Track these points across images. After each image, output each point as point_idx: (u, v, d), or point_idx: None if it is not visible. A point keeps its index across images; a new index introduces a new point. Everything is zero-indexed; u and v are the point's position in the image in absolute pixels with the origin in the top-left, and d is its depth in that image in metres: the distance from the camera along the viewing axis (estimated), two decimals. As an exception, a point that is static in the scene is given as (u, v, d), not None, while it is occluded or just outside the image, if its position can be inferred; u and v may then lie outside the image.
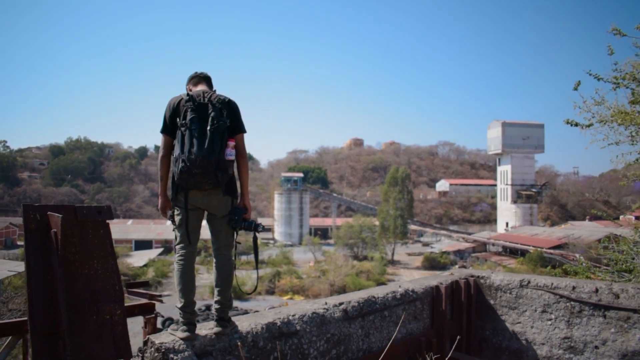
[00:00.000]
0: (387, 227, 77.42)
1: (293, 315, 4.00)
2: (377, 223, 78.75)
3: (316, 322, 4.09)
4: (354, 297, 4.55)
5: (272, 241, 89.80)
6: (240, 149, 3.76)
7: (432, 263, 65.72)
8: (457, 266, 63.48)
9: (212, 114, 3.54)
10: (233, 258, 3.80)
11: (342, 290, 45.16)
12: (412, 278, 6.63)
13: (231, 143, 3.61)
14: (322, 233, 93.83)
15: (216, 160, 3.46)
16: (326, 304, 4.31)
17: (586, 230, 63.44)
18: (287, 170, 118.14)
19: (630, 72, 7.59)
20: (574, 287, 5.10)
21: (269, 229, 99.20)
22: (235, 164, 3.77)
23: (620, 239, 8.47)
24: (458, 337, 4.14)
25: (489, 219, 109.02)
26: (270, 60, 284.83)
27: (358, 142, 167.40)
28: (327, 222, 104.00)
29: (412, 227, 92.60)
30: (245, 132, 3.80)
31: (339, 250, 70.09)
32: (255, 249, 3.93)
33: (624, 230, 8.71)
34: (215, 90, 3.90)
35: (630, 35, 7.60)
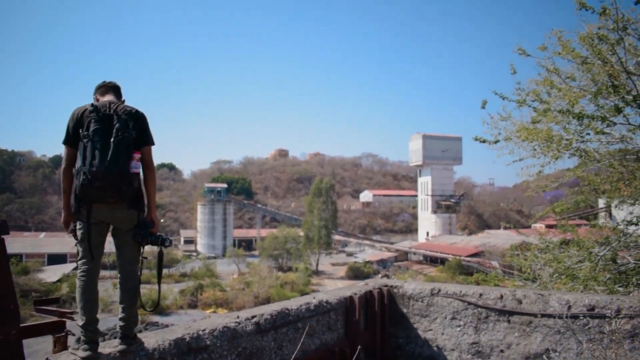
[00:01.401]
0: (311, 238, 77.82)
1: (203, 330, 3.92)
2: (301, 234, 78.99)
3: (227, 336, 4.03)
4: (267, 310, 4.52)
5: (194, 253, 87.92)
6: (147, 161, 3.67)
7: (356, 273, 66.61)
8: (379, 275, 64.68)
9: (117, 126, 3.44)
10: (139, 273, 3.69)
11: (267, 302, 44.86)
12: (335, 288, 6.71)
13: (136, 155, 3.53)
14: (247, 244, 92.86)
15: (119, 173, 3.36)
16: (238, 317, 4.25)
17: (501, 239, 66.53)
18: (210, 180, 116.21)
19: (534, 90, 8.06)
20: (481, 294, 5.32)
21: (192, 241, 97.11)
22: (142, 177, 3.67)
23: (532, 245, 8.95)
24: (371, 346, 4.21)
25: (411, 229, 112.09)
26: (193, 68, 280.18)
27: (283, 153, 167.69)
28: (251, 233, 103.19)
29: (337, 237, 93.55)
30: (152, 144, 3.71)
31: (264, 262, 69.63)
32: (160, 264, 3.84)
33: (546, 238, 9.23)
34: (123, 101, 3.79)
35: (533, 55, 8.09)
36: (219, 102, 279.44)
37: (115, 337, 3.67)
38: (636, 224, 7.48)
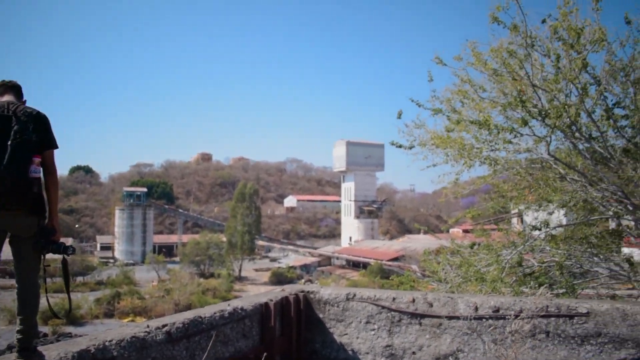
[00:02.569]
0: (234, 243, 76.95)
1: (110, 341, 3.76)
2: (224, 239, 77.96)
3: (136, 346, 3.89)
4: (179, 318, 4.41)
5: (112, 260, 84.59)
6: (49, 166, 3.49)
7: (280, 278, 66.54)
8: (303, 280, 64.91)
9: (15, 128, 3.25)
10: (39, 284, 3.49)
11: (188, 309, 43.82)
12: (252, 294, 6.66)
13: (36, 159, 3.35)
14: (167, 250, 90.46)
15: (17, 178, 3.17)
16: (148, 326, 4.12)
17: (421, 243, 68.54)
18: (130, 184, 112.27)
19: (447, 99, 8.38)
20: (394, 299, 5.44)
21: (109, 247, 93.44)
22: (43, 182, 3.48)
23: (444, 249, 9.28)
24: (288, 352, 4.21)
25: (334, 234, 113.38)
26: (112, 65, 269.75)
27: (206, 157, 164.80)
28: (172, 239, 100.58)
29: (260, 242, 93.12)
30: (56, 147, 3.54)
31: (185, 268, 68.10)
32: (65, 273, 3.65)
33: (458, 242, 9.58)
34: (24, 102, 3.60)
35: (449, 65, 8.42)
36: (139, 102, 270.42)
37: (13, 350, 3.46)
38: (540, 229, 7.93)
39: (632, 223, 8.07)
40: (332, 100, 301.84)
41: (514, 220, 10.72)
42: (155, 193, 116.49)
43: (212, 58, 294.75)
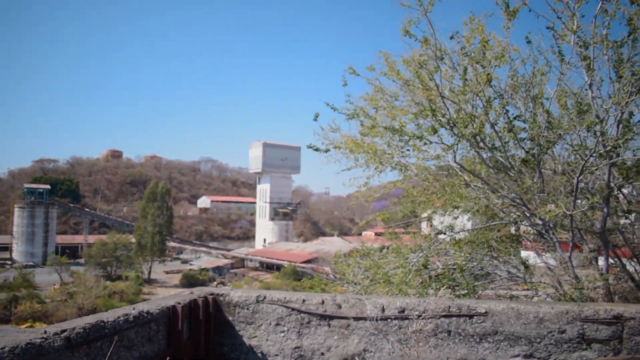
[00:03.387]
0: (144, 245, 74.44)
1: (2, 348, 3.53)
2: (133, 240, 75.19)
3: (31, 353, 3.67)
4: (79, 323, 4.20)
5: (9, 262, 79.18)
6: None
7: (191, 280, 65.10)
8: (215, 282, 63.92)
9: None
10: None
11: (93, 313, 41.81)
12: (160, 297, 6.46)
13: None
14: (72, 252, 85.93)
15: None
16: (45, 332, 3.89)
17: (334, 245, 69.52)
18: (31, 181, 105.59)
19: (362, 107, 8.58)
20: (304, 300, 5.49)
21: (7, 248, 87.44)
22: None
23: (354, 252, 9.48)
24: (195, 356, 4.13)
25: (248, 236, 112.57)
26: (13, 52, 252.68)
27: (116, 154, 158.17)
28: (77, 239, 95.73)
29: (171, 244, 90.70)
30: None
31: (90, 271, 65.03)
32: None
33: (367, 246, 9.78)
34: None
35: (362, 75, 8.64)
36: (44, 93, 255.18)
37: None
38: (444, 233, 8.30)
39: (529, 228, 8.63)
40: (250, 101, 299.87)
41: (424, 224, 11.14)
42: (60, 191, 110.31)
43: (126, 49, 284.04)
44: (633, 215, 8.77)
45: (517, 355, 4.97)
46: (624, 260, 8.60)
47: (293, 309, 5.48)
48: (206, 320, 5.48)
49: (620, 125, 7.07)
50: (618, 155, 7.23)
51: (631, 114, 7.14)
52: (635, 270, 8.43)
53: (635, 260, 8.49)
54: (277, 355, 5.52)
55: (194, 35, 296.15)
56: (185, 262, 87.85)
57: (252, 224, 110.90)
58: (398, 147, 8.23)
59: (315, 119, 8.76)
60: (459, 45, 7.93)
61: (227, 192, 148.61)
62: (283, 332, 5.53)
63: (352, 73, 8.50)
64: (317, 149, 8.73)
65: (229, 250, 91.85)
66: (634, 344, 4.99)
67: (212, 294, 5.65)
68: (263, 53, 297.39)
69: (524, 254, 9.15)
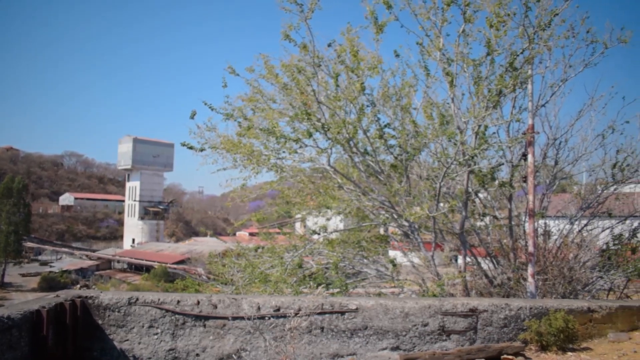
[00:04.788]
0: (-4, 245, 67.87)
1: None
2: (-16, 241, 68.30)
3: None
4: None
5: None
6: None
7: (51, 283, 60.41)
8: (78, 285, 60.07)
9: None
10: None
11: None
12: (21, 301, 5.96)
13: None
14: None
15: None
16: None
17: (208, 246, 68.27)
18: None
19: (239, 107, 8.61)
20: (179, 301, 5.43)
21: None
22: None
23: (230, 252, 9.47)
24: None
25: (116, 235, 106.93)
26: None
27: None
28: None
29: (29, 244, 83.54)
30: None
31: None
32: None
33: (243, 245, 9.78)
34: None
35: (242, 75, 8.67)
36: None
37: None
38: (319, 233, 8.59)
39: (397, 229, 9.20)
40: (120, 94, 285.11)
41: (298, 224, 11.41)
42: None
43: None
44: (487, 218, 9.68)
45: (385, 348, 5.33)
46: (479, 259, 9.47)
47: (167, 311, 5.40)
48: (74, 324, 5.22)
49: (477, 137, 7.79)
50: (475, 163, 7.96)
51: (486, 126, 7.90)
52: (489, 267, 9.32)
53: (489, 258, 9.38)
54: (150, 358, 5.41)
55: (65, 21, 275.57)
56: (44, 263, 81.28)
57: (120, 223, 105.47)
58: (274, 149, 8.38)
59: (192, 117, 8.65)
60: (335, 54, 8.26)
61: (93, 189, 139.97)
62: (156, 334, 5.42)
63: (232, 73, 8.51)
64: (191, 147, 8.62)
65: (94, 251, 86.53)
66: (486, 333, 5.56)
67: (80, 297, 5.40)
68: (140, 45, 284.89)
69: (391, 253, 9.71)
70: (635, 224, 9.91)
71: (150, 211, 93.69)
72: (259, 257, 8.79)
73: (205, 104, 8.56)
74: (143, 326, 5.44)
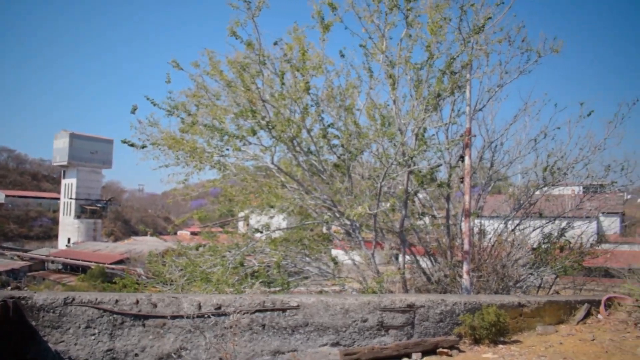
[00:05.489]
0: None
1: None
2: None
3: None
4: None
5: None
6: None
7: (-22, 285, 57.51)
8: (9, 288, 57.40)
9: None
10: None
11: None
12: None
13: None
14: None
15: None
16: None
17: (148, 245, 66.64)
18: None
19: (182, 103, 8.51)
20: (117, 301, 5.32)
21: None
22: None
23: (170, 251, 9.33)
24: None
25: (50, 235, 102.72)
26: None
27: None
28: None
29: (-47, 244, 79.15)
30: None
31: None
32: None
33: (184, 244, 9.65)
34: None
35: (187, 70, 8.57)
36: None
37: None
38: (261, 232, 8.60)
39: (339, 228, 9.33)
40: (55, 88, 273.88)
41: (241, 223, 11.36)
42: None
43: None
44: (426, 217, 9.96)
45: (326, 344, 5.41)
46: (418, 257, 9.74)
47: (105, 310, 5.29)
48: (5, 326, 5.03)
49: (417, 138, 8.02)
50: (415, 164, 8.19)
51: (425, 128, 8.14)
52: (427, 265, 9.60)
53: (427, 257, 9.66)
54: (87, 359, 5.28)
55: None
56: (-30, 265, 77.27)
57: (55, 222, 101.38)
58: (218, 146, 8.33)
59: (132, 112, 8.47)
60: (281, 52, 8.30)
61: (26, 186, 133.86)
62: (94, 334, 5.30)
63: (176, 67, 8.39)
64: (132, 145, 8.44)
65: (26, 251, 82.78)
66: (423, 328, 5.75)
67: (12, 298, 5.21)
68: (76, 37, 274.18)
69: (335, 252, 9.84)
70: (564, 223, 10.46)
71: (87, 209, 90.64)
72: (200, 256, 8.71)
73: (148, 98, 8.41)
74: (79, 327, 5.30)
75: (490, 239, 9.97)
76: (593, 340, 5.84)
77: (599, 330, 6.24)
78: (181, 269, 8.38)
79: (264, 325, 5.28)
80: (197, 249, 9.01)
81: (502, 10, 8.09)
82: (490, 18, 7.97)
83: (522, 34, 8.89)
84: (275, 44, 8.29)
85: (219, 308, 5.27)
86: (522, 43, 8.95)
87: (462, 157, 8.26)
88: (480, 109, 9.33)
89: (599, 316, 6.65)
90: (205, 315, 5.24)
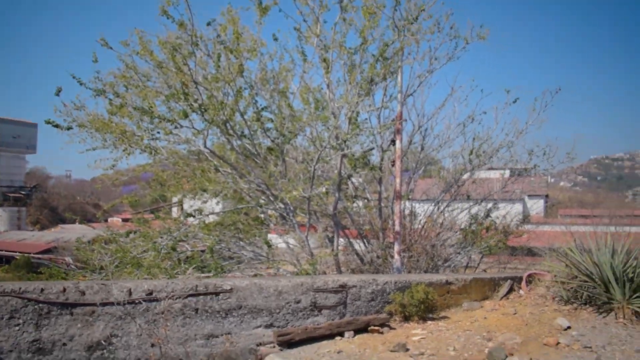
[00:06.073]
0: None
1: None
2: None
3: None
4: None
5: None
6: None
7: None
8: None
9: None
10: None
11: None
12: None
13: None
14: None
15: None
16: None
17: (76, 233, 64.01)
18: None
19: (110, 83, 8.21)
20: (42, 290, 5.14)
21: None
22: None
23: (99, 237, 9.05)
24: None
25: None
26: None
27: None
28: None
29: None
30: None
31: None
32: None
33: (114, 231, 9.38)
34: None
35: (116, 49, 8.25)
36: None
37: None
38: (194, 216, 8.49)
39: (274, 212, 9.35)
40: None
41: (176, 209, 11.16)
42: None
43: None
44: (359, 200, 10.15)
45: (260, 326, 5.45)
46: (352, 239, 9.92)
47: (30, 300, 5.09)
48: None
49: (350, 122, 8.12)
50: (348, 147, 8.31)
51: (358, 113, 8.25)
52: (360, 247, 9.80)
53: (360, 239, 9.86)
54: (11, 351, 5.08)
55: None
56: None
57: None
58: (148, 129, 8.12)
59: (57, 94, 8.08)
60: (215, 33, 8.16)
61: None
62: (18, 325, 5.09)
63: (104, 45, 8.05)
64: (57, 126, 8.06)
65: (-58, 241, 78.09)
66: (355, 307, 5.89)
67: None
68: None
69: (272, 236, 9.87)
70: (489, 205, 10.92)
71: (10, 197, 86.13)
72: (132, 242, 8.51)
73: (74, 77, 8.04)
74: (2, 318, 5.08)
75: (420, 220, 10.28)
76: (515, 314, 6.17)
77: (520, 304, 6.59)
78: (112, 256, 8.16)
79: (197, 310, 5.25)
80: (127, 235, 8.79)
81: (432, -1, 8.29)
82: (423, 10, 8.15)
83: (451, 21, 9.15)
84: (209, 24, 8.13)
85: (151, 294, 5.19)
86: (450, 30, 9.20)
87: (393, 141, 8.44)
88: (411, 94, 9.56)
89: (521, 292, 7.01)
90: (137, 301, 5.15)
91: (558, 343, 5.08)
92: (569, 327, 5.56)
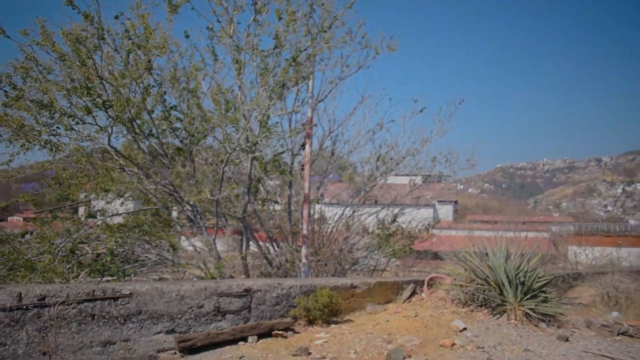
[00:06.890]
0: None
1: None
2: None
3: None
4: None
5: None
6: None
7: None
8: None
9: None
10: None
11: None
12: None
13: None
14: None
15: None
16: None
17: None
18: None
19: (7, 74, 7.70)
20: None
21: None
22: None
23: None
24: None
25: None
26: None
27: None
28: None
29: None
30: None
31: None
32: None
33: (7, 231, 8.76)
34: None
35: (14, 39, 7.73)
36: None
37: None
38: (95, 217, 8.12)
39: (182, 214, 9.13)
40: None
41: (82, 209, 10.60)
42: None
43: None
44: (270, 204, 10.15)
45: (160, 332, 5.30)
46: (261, 243, 9.90)
47: None
48: None
49: (261, 125, 8.11)
50: (259, 150, 8.29)
51: (269, 116, 8.26)
52: (269, 250, 9.79)
53: (270, 242, 9.85)
54: None
55: None
56: None
57: None
58: (47, 124, 7.66)
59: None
60: (123, 28, 7.87)
61: None
62: None
63: (2, 33, 7.52)
64: None
65: None
66: (259, 311, 5.88)
67: None
68: None
69: (182, 238, 9.63)
70: (396, 210, 11.29)
71: None
72: (27, 244, 8.00)
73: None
74: None
75: (330, 224, 10.43)
76: (416, 316, 6.40)
77: (421, 307, 6.86)
78: (2, 256, 7.61)
79: (93, 316, 5.02)
80: (22, 236, 8.26)
81: (345, 3, 8.45)
82: (337, 18, 8.29)
83: (363, 30, 9.37)
84: (117, 18, 7.84)
85: (43, 299, 4.91)
86: (362, 39, 9.43)
87: (303, 146, 8.52)
88: (322, 100, 9.69)
89: (423, 295, 7.29)
90: (28, 307, 4.85)
91: (454, 344, 5.33)
92: (464, 329, 5.85)
